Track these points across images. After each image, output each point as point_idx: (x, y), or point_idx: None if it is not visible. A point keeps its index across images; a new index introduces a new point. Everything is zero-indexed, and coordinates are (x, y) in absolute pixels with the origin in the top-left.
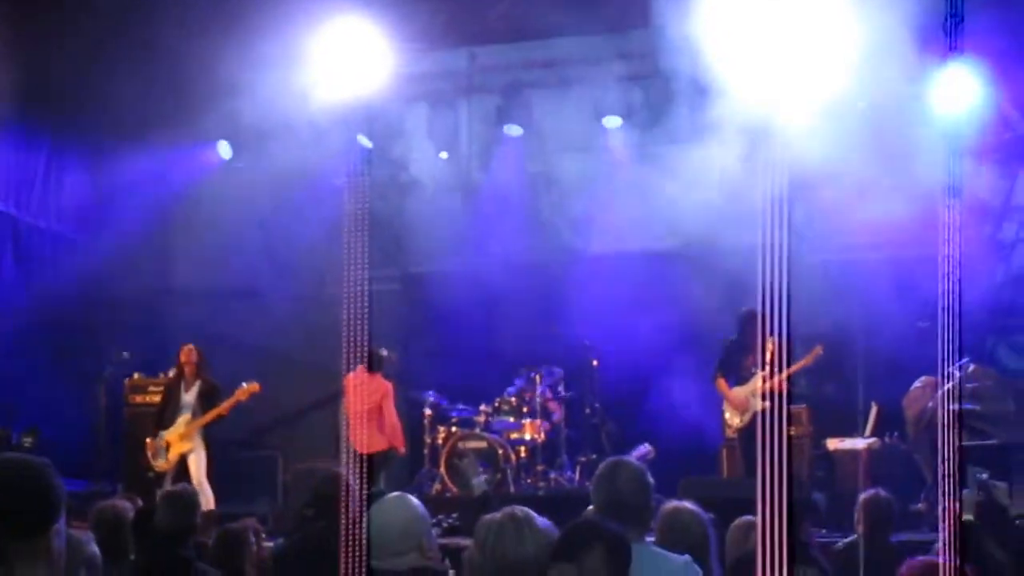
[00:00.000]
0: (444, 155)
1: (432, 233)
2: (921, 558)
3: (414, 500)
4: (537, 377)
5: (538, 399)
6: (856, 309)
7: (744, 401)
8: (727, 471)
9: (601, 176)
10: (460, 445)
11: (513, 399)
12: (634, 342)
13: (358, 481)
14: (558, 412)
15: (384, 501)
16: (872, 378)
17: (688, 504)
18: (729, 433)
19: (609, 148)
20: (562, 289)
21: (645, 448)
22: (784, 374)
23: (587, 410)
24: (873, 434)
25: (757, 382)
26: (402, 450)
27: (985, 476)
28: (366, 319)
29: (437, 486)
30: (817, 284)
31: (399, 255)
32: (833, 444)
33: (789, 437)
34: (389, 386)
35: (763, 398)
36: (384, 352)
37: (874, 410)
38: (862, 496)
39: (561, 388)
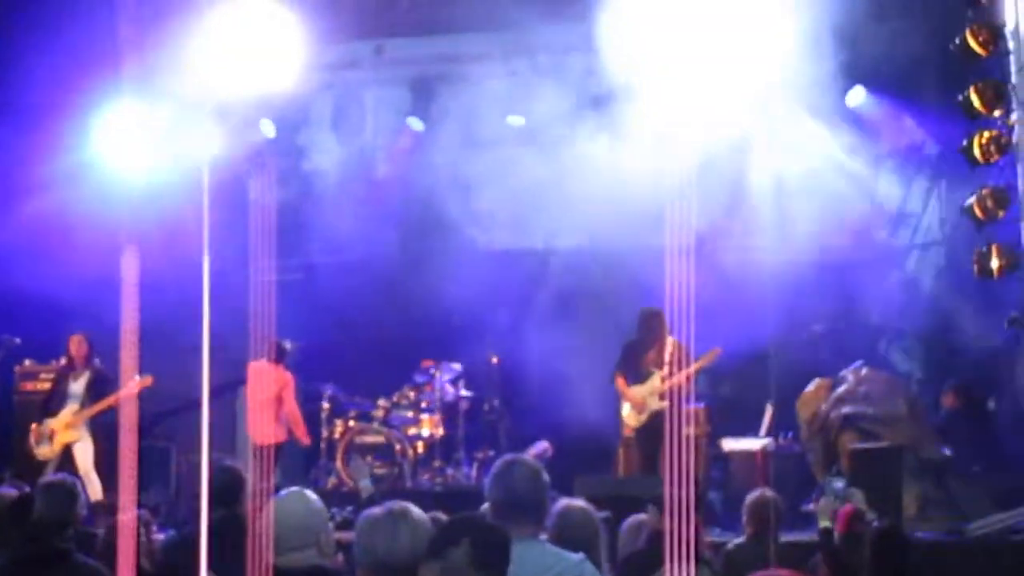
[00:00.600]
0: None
1: (334, 224)
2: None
3: (312, 495)
4: (436, 372)
5: (437, 394)
6: (755, 311)
7: (642, 400)
8: (623, 469)
9: (506, 172)
10: (357, 439)
11: (412, 393)
12: (535, 339)
13: (256, 473)
14: (457, 407)
15: (283, 496)
16: (768, 379)
17: (581, 502)
18: (626, 432)
19: (514, 145)
20: (464, 284)
21: (542, 445)
22: (683, 374)
23: (486, 406)
24: (768, 434)
25: (655, 381)
26: (306, 441)
27: (840, 485)
28: (272, 309)
29: (333, 480)
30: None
31: (301, 245)
32: (728, 444)
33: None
34: (290, 377)
35: (661, 397)
36: (287, 344)
37: (769, 411)
38: (749, 496)
39: (460, 384)
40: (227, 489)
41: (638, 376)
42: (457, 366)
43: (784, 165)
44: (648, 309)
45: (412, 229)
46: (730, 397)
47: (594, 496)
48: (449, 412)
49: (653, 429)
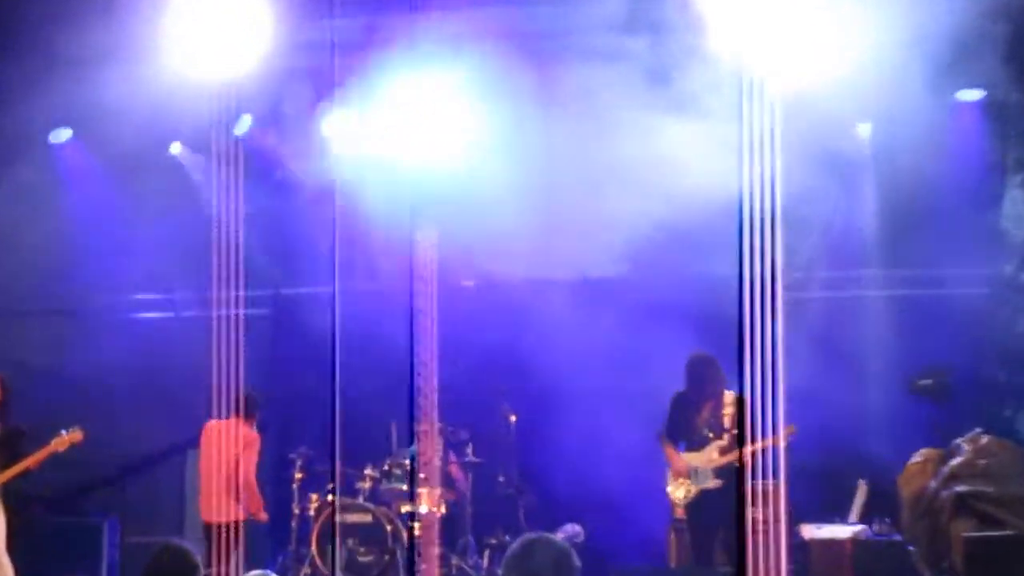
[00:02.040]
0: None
1: (310, 245)
2: None
3: None
4: (438, 434)
5: (438, 462)
6: (846, 361)
7: (685, 470)
8: (675, 559)
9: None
10: (338, 519)
11: (407, 461)
12: (564, 391)
13: (212, 558)
14: (463, 480)
15: None
16: (860, 449)
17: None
18: (677, 513)
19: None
20: (472, 318)
21: (573, 528)
22: (747, 449)
23: (500, 478)
24: (860, 519)
25: (712, 453)
26: (261, 517)
27: None
28: (240, 350)
29: (306, 570)
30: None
31: (269, 272)
32: (810, 531)
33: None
34: (256, 437)
35: (714, 475)
36: (256, 396)
37: (861, 489)
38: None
39: (468, 449)
40: None
41: (692, 441)
42: (464, 430)
43: (892, 178)
44: (699, 355)
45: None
46: (812, 471)
47: None
48: (453, 485)
49: (707, 509)
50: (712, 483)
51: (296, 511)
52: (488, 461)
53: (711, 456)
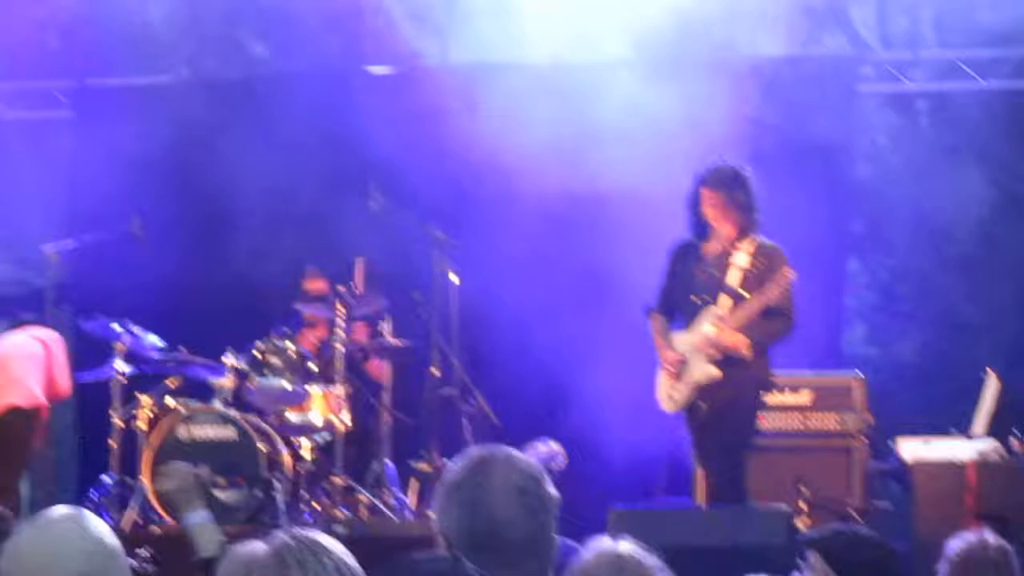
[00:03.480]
0: None
1: None
2: None
3: (97, 526)
4: (338, 302)
5: (339, 343)
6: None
7: (674, 359)
8: (704, 493)
9: None
10: (182, 431)
11: (290, 344)
12: (525, 246)
13: None
14: (379, 372)
15: (42, 523)
16: (987, 327)
17: (628, 545)
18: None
19: None
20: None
21: (549, 449)
22: (761, 297)
23: (433, 369)
24: (990, 431)
25: (703, 325)
26: (24, 405)
27: None
28: None
29: (133, 512)
30: None
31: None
32: (910, 449)
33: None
34: None
35: (711, 357)
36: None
37: (992, 385)
38: (952, 546)
39: (384, 324)
40: None
41: (689, 311)
42: (378, 295)
43: None
44: (728, 167)
45: None
46: (910, 360)
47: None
48: (364, 379)
49: (717, 415)
50: (705, 375)
51: (116, 420)
52: (418, 345)
53: (702, 330)
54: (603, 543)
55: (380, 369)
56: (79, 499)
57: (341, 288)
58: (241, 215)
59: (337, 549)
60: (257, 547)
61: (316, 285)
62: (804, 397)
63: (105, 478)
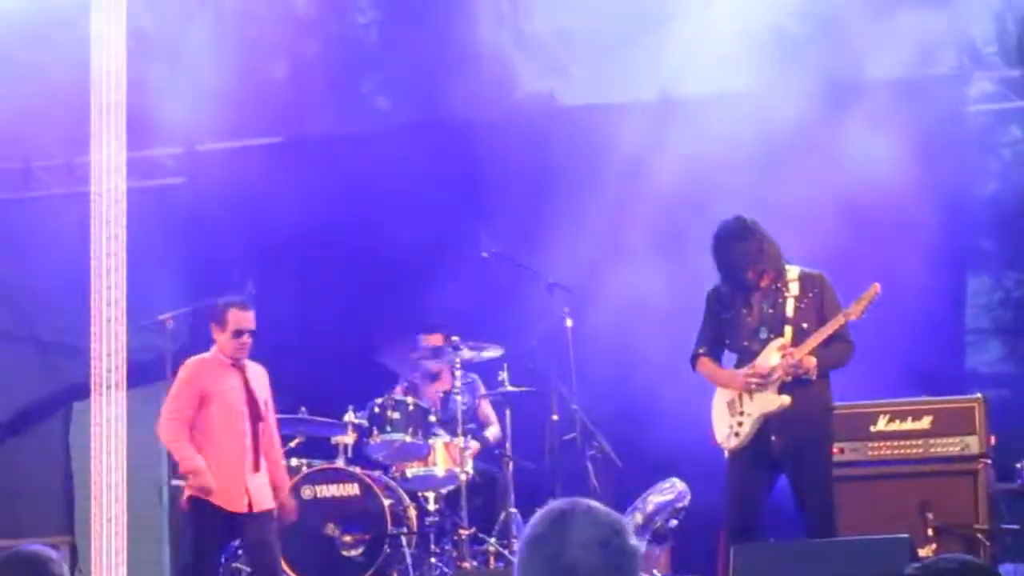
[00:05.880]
0: None
1: None
2: None
3: None
4: (455, 356)
5: (459, 397)
6: None
7: (763, 371)
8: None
9: None
10: (306, 493)
11: (410, 399)
12: (649, 277)
13: None
14: (497, 422)
15: None
16: None
17: None
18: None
19: None
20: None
21: (673, 488)
22: (825, 329)
23: (554, 415)
24: None
25: (770, 356)
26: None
27: None
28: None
29: None
30: None
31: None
32: None
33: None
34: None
35: (781, 387)
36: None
37: None
38: None
39: (503, 374)
40: None
41: (743, 352)
42: (494, 350)
43: None
44: (736, 221)
45: None
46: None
47: None
48: (485, 430)
49: (796, 450)
50: (775, 403)
51: None
52: (538, 388)
53: (769, 361)
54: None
55: (494, 417)
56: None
57: (456, 339)
58: (353, 271)
59: None
60: None
61: (432, 340)
62: (924, 422)
63: (234, 543)
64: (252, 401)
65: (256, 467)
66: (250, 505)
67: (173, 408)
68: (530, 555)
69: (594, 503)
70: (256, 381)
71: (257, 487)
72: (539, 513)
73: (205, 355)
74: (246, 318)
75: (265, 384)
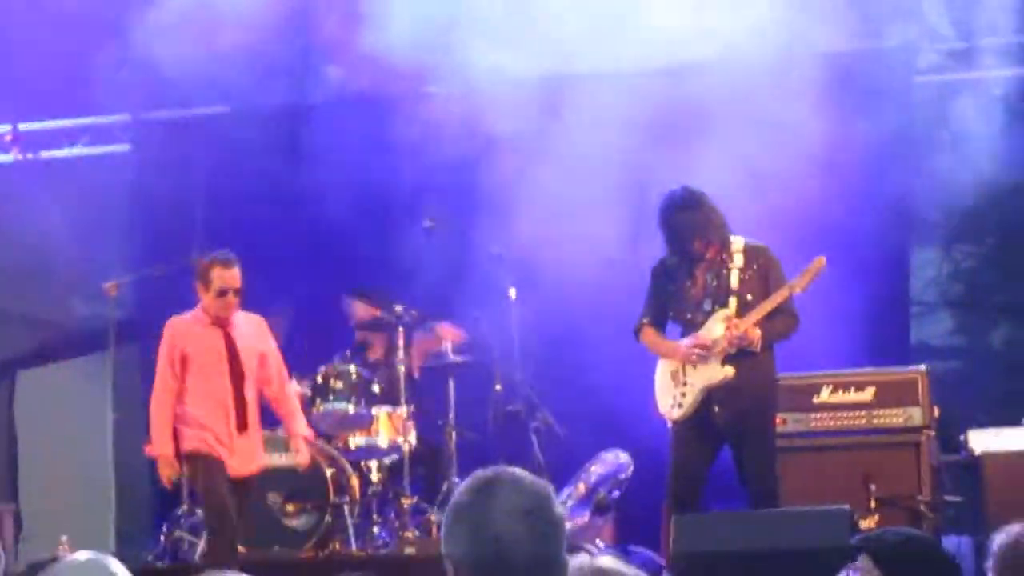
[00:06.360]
0: None
1: None
2: None
3: (118, 570)
4: (398, 325)
5: (400, 363)
6: None
7: (705, 342)
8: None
9: None
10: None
11: (352, 367)
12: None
13: None
14: (443, 390)
15: (64, 569)
16: None
17: (609, 560)
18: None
19: None
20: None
21: (617, 459)
22: (769, 302)
23: (496, 386)
24: None
25: (715, 327)
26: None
27: None
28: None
29: (203, 542)
30: None
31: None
32: (981, 441)
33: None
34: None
35: (725, 359)
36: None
37: None
38: (996, 541)
39: (446, 343)
40: None
41: (687, 324)
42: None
43: None
44: (684, 191)
45: None
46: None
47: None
48: (429, 400)
49: (740, 421)
50: (719, 375)
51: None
52: (478, 359)
53: (712, 332)
54: (583, 558)
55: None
56: (152, 531)
57: (399, 309)
58: (292, 242)
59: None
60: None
61: (366, 309)
62: (868, 394)
63: (178, 511)
64: (234, 359)
65: (242, 428)
66: (234, 469)
67: (157, 377)
68: (456, 524)
69: (520, 472)
70: (248, 336)
71: (242, 449)
72: (465, 482)
73: (184, 315)
74: (231, 276)
75: (262, 335)
